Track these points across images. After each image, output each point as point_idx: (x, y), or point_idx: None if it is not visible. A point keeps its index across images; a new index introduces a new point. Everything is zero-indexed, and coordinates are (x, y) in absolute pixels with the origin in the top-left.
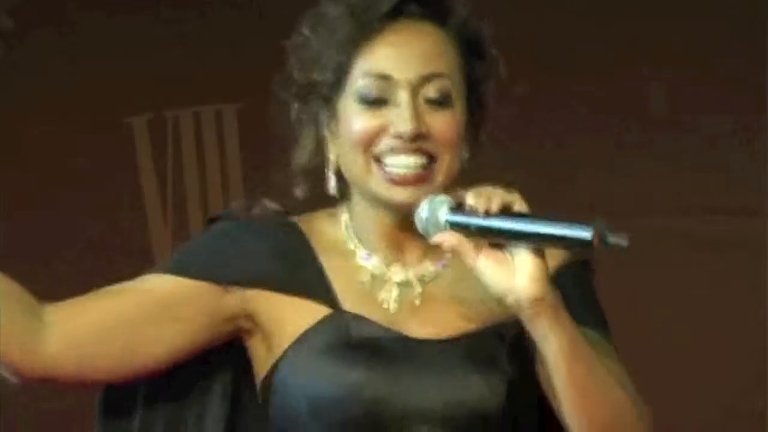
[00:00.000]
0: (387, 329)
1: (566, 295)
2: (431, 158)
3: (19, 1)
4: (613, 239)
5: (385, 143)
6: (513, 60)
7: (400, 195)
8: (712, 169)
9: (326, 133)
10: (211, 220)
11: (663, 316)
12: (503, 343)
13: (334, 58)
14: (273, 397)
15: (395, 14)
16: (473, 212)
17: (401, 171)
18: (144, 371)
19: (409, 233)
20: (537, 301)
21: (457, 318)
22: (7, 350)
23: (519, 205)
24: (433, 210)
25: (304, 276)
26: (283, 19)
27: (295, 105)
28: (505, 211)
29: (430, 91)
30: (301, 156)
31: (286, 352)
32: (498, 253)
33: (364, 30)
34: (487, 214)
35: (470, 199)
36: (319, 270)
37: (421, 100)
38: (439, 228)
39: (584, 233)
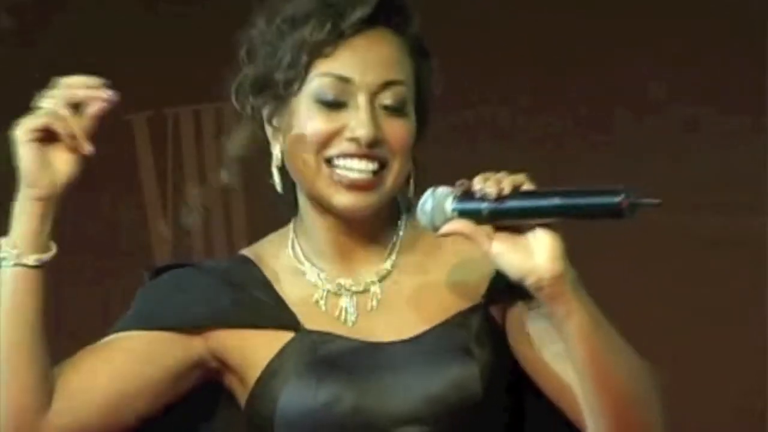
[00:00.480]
0: (352, 340)
1: None
2: (382, 165)
3: None
4: (643, 201)
5: (338, 146)
6: (513, 60)
7: (346, 200)
8: (712, 167)
9: (269, 128)
10: (156, 272)
11: (663, 313)
12: (469, 331)
13: (294, 57)
14: (258, 421)
15: (369, 23)
16: (483, 197)
17: (353, 175)
18: (129, 426)
19: (358, 239)
20: (557, 279)
21: (418, 316)
22: (18, 415)
23: (528, 184)
24: (438, 201)
25: (261, 306)
26: None
27: (242, 97)
28: (517, 191)
29: (388, 98)
30: (234, 146)
31: (257, 382)
32: (512, 236)
33: (333, 34)
34: (500, 196)
35: (478, 184)
36: (275, 296)
37: (377, 106)
38: (446, 218)
39: (613, 198)
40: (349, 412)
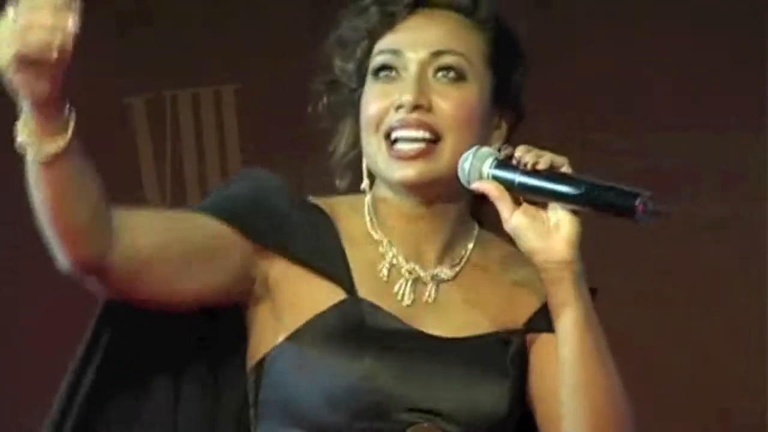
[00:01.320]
0: (400, 321)
1: None
2: (436, 135)
3: None
4: (657, 209)
5: (391, 117)
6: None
7: (402, 171)
8: (714, 152)
9: (353, 121)
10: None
11: (662, 298)
12: (508, 351)
13: (359, 45)
14: (277, 372)
15: (421, 4)
16: (519, 167)
17: (404, 147)
18: (176, 304)
19: (429, 231)
20: (566, 264)
21: (467, 320)
22: (76, 239)
23: (565, 167)
24: (478, 160)
25: (327, 256)
26: (283, 2)
27: (326, 96)
28: (552, 171)
29: (441, 62)
30: (338, 146)
31: (298, 329)
32: (536, 211)
33: (389, 18)
34: (535, 169)
35: (519, 151)
36: (341, 253)
37: (430, 75)
38: (481, 177)
39: (631, 202)
40: (380, 390)
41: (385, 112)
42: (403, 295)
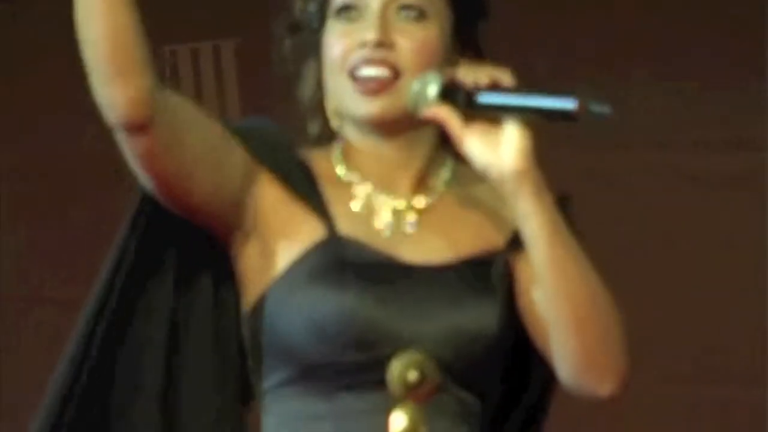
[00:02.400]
0: (381, 254)
1: None
2: (397, 72)
3: None
4: (596, 108)
5: (355, 55)
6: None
7: (364, 107)
8: (709, 102)
9: (316, 65)
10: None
11: (657, 253)
12: (491, 270)
13: None
14: (267, 311)
15: None
16: (462, 87)
17: (369, 83)
18: (189, 196)
19: (400, 163)
20: (521, 173)
21: (448, 246)
22: (135, 71)
23: (507, 80)
24: (424, 84)
25: (309, 193)
26: None
27: (288, 40)
28: (494, 86)
29: (403, 1)
30: (305, 91)
31: (285, 270)
32: (485, 127)
33: None
34: (476, 87)
35: (461, 73)
36: (319, 194)
37: (392, 14)
38: (427, 102)
39: (568, 104)
40: (366, 322)
41: (348, 52)
42: (382, 227)
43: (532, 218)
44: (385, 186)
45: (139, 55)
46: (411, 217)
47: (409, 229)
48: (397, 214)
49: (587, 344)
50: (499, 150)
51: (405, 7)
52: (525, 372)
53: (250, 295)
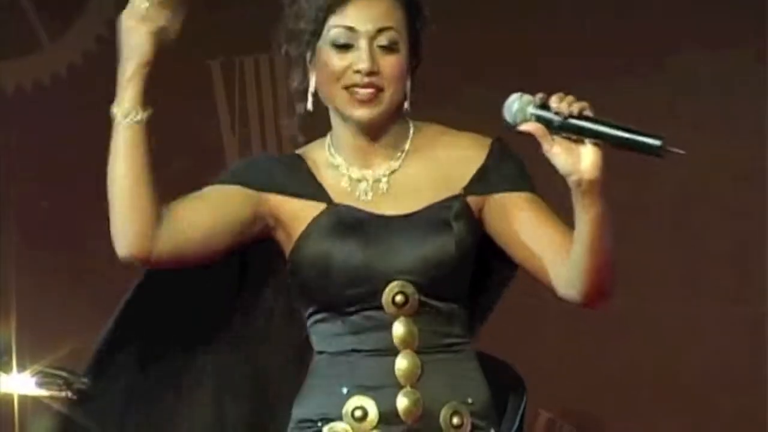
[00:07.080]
0: (365, 212)
1: (503, 168)
2: (380, 89)
3: None
4: (673, 149)
5: (349, 77)
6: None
7: (358, 113)
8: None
9: (309, 66)
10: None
11: (660, 235)
12: (450, 211)
13: (315, 15)
14: (295, 269)
15: None
16: (557, 112)
17: (360, 97)
18: (212, 256)
19: (374, 144)
20: (593, 182)
21: (416, 198)
22: (134, 239)
23: (588, 111)
24: (522, 105)
25: (304, 185)
26: None
27: (285, 47)
28: (581, 114)
29: (383, 39)
30: (294, 81)
31: (301, 236)
32: (569, 144)
33: None
34: (570, 115)
35: (555, 102)
36: (314, 179)
37: (375, 47)
38: (525, 119)
39: (656, 142)
40: (360, 264)
41: (343, 72)
42: (365, 193)
43: (591, 210)
44: (364, 164)
45: (154, 212)
46: (386, 180)
47: (385, 190)
48: (375, 183)
49: (601, 274)
50: (580, 163)
51: (383, 46)
52: (486, 277)
53: (287, 261)
